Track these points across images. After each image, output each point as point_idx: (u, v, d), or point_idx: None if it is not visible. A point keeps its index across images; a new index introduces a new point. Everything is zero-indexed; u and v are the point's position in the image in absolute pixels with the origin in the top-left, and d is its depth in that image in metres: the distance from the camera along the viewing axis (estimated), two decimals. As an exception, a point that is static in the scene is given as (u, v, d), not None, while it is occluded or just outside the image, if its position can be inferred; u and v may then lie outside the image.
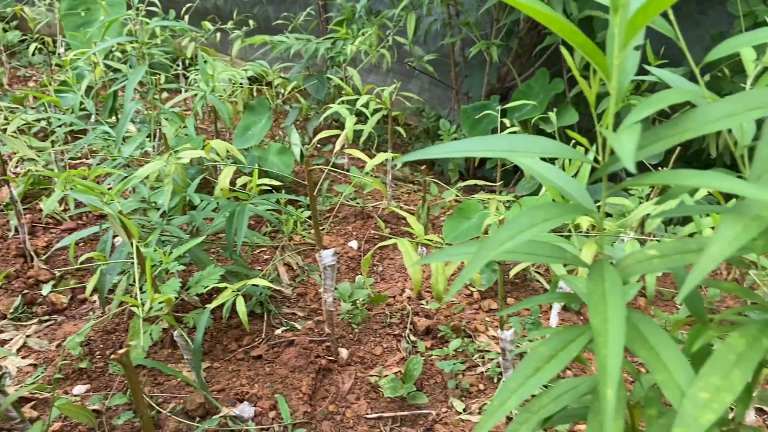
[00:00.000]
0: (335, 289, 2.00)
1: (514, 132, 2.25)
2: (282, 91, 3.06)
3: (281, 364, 1.76)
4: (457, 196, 2.40)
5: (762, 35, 0.68)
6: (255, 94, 3.36)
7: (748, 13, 2.29)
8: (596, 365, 0.62)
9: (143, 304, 1.18)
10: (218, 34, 4.19)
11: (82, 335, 1.56)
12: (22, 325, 1.92)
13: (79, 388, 1.66)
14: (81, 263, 2.17)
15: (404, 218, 2.64)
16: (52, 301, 2.01)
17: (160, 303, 1.23)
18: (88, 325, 1.45)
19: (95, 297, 2.04)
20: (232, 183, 2.54)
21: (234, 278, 1.83)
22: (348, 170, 2.95)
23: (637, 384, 0.85)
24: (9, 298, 2.00)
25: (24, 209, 2.54)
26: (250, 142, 2.78)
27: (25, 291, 2.05)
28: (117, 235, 2.02)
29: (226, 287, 1.52)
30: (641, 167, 2.40)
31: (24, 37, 5.07)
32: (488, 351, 1.83)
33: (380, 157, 1.90)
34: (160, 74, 2.89)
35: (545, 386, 1.52)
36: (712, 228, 1.58)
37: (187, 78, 3.79)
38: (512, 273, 1.90)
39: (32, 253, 2.20)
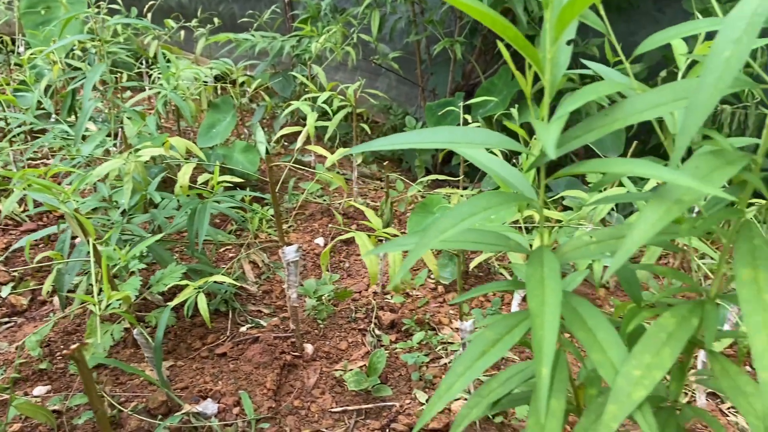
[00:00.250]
0: (300, 285, 2.01)
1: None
2: (247, 89, 3.05)
3: (246, 361, 1.76)
4: (420, 191, 2.42)
5: (688, 28, 0.71)
6: (220, 92, 3.34)
7: (702, 10, 2.36)
8: (533, 346, 0.64)
9: (100, 302, 1.18)
10: (182, 32, 4.14)
11: (40, 334, 1.55)
12: (-20, 328, 1.88)
13: (40, 389, 1.63)
14: (40, 264, 2.13)
15: (370, 214, 2.66)
16: (12, 303, 1.98)
17: (117, 300, 1.23)
18: (47, 324, 1.44)
19: (55, 298, 2.01)
20: (195, 181, 2.52)
21: (197, 276, 1.82)
22: (314, 168, 2.96)
23: (582, 367, 0.89)
24: (-34, 301, 1.96)
25: (-19, 211, 2.48)
26: (215, 140, 2.76)
27: (-17, 293, 2.01)
28: (77, 236, 2.00)
29: (188, 285, 1.52)
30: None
31: (-19, 36, 4.93)
32: (451, 343, 1.86)
33: (339, 152, 1.92)
34: (121, 72, 2.86)
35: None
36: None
37: (150, 76, 3.75)
38: (472, 265, 1.94)
39: (-10, 255, 2.15)
